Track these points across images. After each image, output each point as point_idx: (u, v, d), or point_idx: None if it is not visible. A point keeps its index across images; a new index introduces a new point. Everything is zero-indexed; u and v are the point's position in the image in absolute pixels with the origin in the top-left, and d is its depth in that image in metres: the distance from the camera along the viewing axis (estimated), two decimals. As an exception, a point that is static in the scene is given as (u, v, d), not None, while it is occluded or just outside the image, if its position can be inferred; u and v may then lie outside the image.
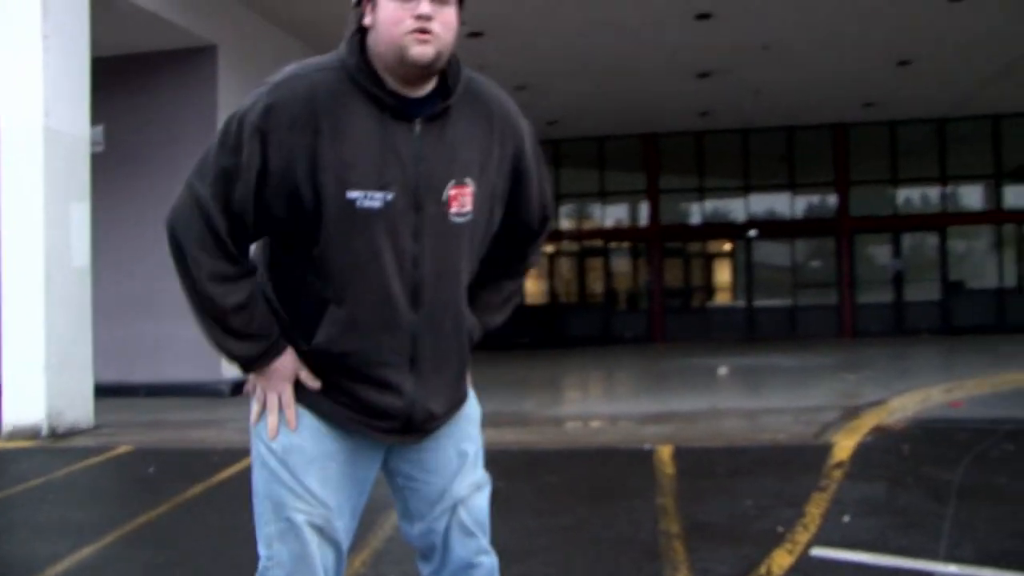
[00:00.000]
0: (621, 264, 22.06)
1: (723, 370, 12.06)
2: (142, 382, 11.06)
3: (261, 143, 1.91)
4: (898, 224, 20.75)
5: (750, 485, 5.35)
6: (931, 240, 21.05)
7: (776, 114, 18.79)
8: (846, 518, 4.54)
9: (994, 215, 20.95)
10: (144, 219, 11.14)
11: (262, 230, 2.01)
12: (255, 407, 2.07)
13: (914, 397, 8.53)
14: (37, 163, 8.09)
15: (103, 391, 9.07)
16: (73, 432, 8.12)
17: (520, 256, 2.30)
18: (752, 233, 20.69)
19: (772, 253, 21.74)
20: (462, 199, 2.01)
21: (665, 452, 6.24)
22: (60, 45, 8.34)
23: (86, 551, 4.43)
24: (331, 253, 1.94)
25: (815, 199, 21.64)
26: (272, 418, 2.02)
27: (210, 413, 9.54)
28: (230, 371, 11.41)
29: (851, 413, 7.61)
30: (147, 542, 4.72)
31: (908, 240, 21.15)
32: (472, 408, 2.23)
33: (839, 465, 5.65)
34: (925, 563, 3.82)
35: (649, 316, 21.06)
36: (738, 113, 18.61)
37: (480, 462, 2.22)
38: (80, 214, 8.54)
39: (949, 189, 20.79)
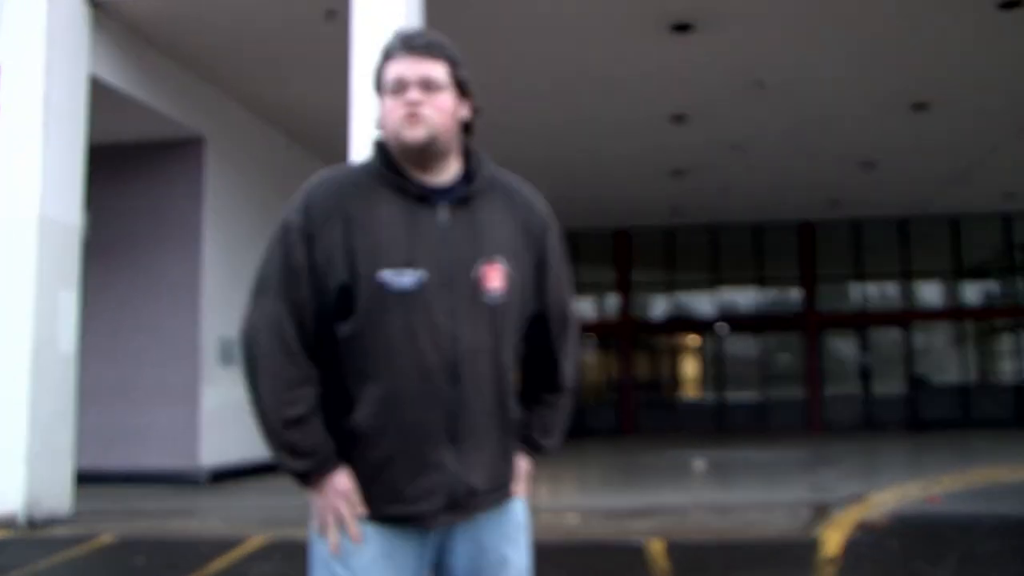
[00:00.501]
0: (592, 357, 22.25)
1: (700, 463, 12.15)
2: (118, 468, 10.92)
3: (306, 244, 2.05)
4: (863, 320, 21.23)
5: (745, 581, 5.42)
6: (895, 335, 21.53)
7: (744, 211, 19.33)
8: (846, 614, 4.62)
9: (955, 312, 21.55)
10: (126, 305, 11.19)
11: (318, 327, 2.08)
12: (317, 521, 2.10)
13: (893, 493, 8.67)
14: (31, 252, 8.14)
15: (78, 477, 8.96)
16: (52, 521, 7.99)
17: (550, 361, 2.31)
18: (721, 327, 21.03)
19: (741, 347, 22.08)
20: (494, 278, 2.10)
21: (657, 547, 6.30)
22: (59, 134, 8.49)
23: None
24: (369, 332, 2.03)
25: (782, 294, 22.12)
26: (332, 536, 2.06)
27: (189, 502, 9.44)
28: (208, 459, 11.35)
29: (834, 508, 7.72)
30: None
31: (873, 335, 21.60)
32: (519, 514, 2.25)
33: (831, 561, 5.74)
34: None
35: (620, 408, 21.19)
36: (708, 210, 19.12)
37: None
38: (68, 302, 8.56)
39: (912, 286, 21.37)
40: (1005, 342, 22.53)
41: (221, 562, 6.34)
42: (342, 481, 2.05)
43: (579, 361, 2.43)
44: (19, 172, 8.27)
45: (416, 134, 2.08)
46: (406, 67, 2.12)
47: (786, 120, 13.25)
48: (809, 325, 20.94)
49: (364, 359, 2.03)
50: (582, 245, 21.30)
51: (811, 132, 13.82)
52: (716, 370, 21.43)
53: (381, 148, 2.17)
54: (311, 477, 2.05)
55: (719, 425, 20.47)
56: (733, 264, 21.59)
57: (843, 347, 21.89)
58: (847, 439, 17.01)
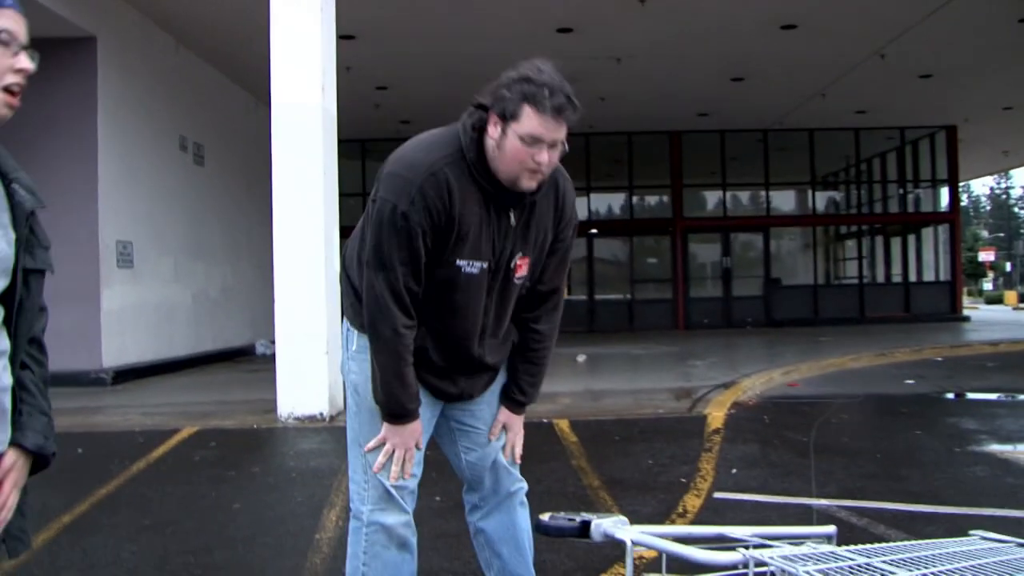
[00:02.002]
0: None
1: (581, 358, 13.09)
2: (19, 372, 10.97)
3: (424, 233, 2.56)
4: (725, 225, 22.61)
5: (646, 449, 6.28)
6: (755, 240, 23.06)
7: (618, 120, 20.11)
8: (734, 471, 5.53)
9: (808, 219, 23.25)
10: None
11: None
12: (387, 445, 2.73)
13: (759, 379, 9.79)
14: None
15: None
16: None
17: (535, 330, 2.91)
18: (591, 231, 22.01)
19: (610, 250, 23.19)
20: (523, 267, 2.77)
21: (564, 424, 7.12)
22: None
23: (65, 518, 4.86)
24: (441, 298, 2.66)
25: (651, 200, 23.25)
26: (395, 468, 2.71)
27: (101, 400, 9.72)
28: (109, 360, 11.54)
29: (709, 393, 8.73)
30: (126, 509, 5.16)
31: (734, 240, 23.05)
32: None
33: (716, 431, 6.69)
34: (803, 499, 4.84)
35: (497, 309, 22.00)
36: (583, 119, 19.74)
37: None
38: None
39: (770, 194, 22.85)
40: (850, 247, 24.49)
41: (162, 449, 6.80)
42: (418, 427, 2.72)
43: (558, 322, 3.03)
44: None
45: (532, 187, 2.58)
46: (547, 130, 2.46)
47: (664, 35, 13.95)
48: (675, 230, 22.17)
49: (431, 311, 2.67)
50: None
51: (687, 47, 14.59)
52: (588, 272, 22.46)
53: (480, 159, 2.57)
54: (407, 417, 2.68)
55: (590, 325, 21.61)
56: (605, 171, 22.47)
57: (706, 251, 23.28)
58: (710, 336, 18.39)
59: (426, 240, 2.57)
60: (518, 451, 2.95)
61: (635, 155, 22.17)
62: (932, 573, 1.66)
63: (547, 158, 2.50)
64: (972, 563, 1.74)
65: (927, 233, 23.83)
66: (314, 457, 6.59)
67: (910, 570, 1.66)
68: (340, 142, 8.67)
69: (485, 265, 2.65)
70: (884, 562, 1.69)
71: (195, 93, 14.54)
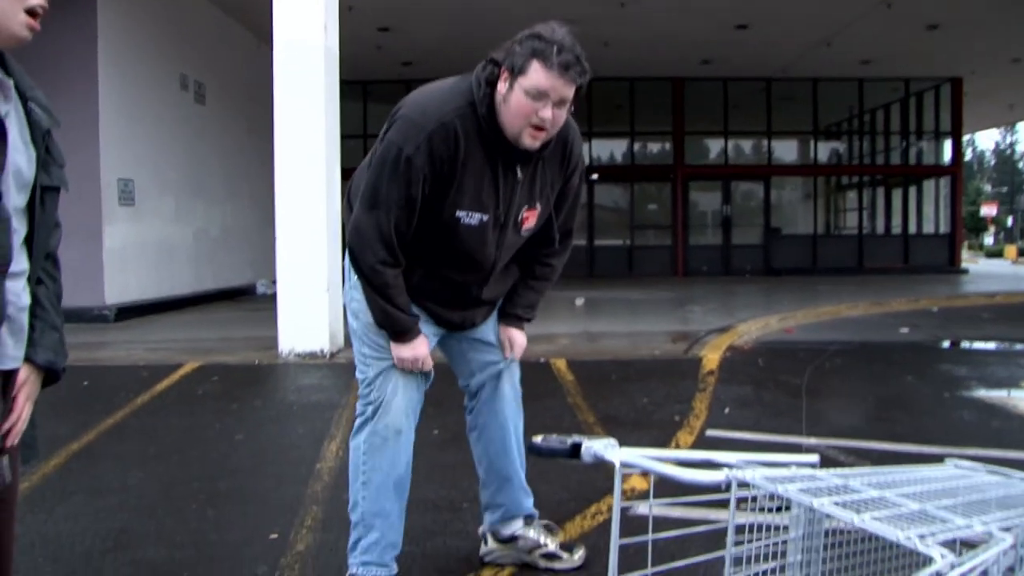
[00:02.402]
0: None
1: (580, 301, 13.19)
2: (22, 307, 11.07)
3: (424, 180, 2.63)
4: (727, 173, 22.58)
5: (642, 388, 6.40)
6: (756, 189, 23.05)
7: (620, 66, 19.96)
8: (727, 410, 5.65)
9: (809, 168, 23.21)
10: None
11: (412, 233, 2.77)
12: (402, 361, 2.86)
13: (756, 324, 9.89)
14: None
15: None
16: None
17: (546, 264, 3.07)
18: (592, 177, 21.99)
19: (611, 196, 23.18)
20: (530, 219, 2.86)
21: (561, 364, 7.24)
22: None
23: (74, 446, 4.98)
24: (442, 244, 2.76)
25: (652, 147, 23.18)
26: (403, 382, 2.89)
27: (105, 336, 9.84)
28: (112, 296, 11.64)
29: (706, 336, 8.83)
30: (133, 439, 5.28)
31: (735, 188, 23.04)
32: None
33: (711, 373, 6.80)
34: (793, 438, 4.95)
35: (497, 254, 22.07)
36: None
37: None
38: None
39: (772, 144, 22.78)
40: (851, 198, 24.48)
41: (166, 383, 6.92)
42: (422, 341, 2.86)
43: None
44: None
45: (534, 145, 2.63)
46: (553, 84, 2.50)
47: (670, -21, 13.85)
48: (676, 177, 22.15)
49: (431, 252, 2.79)
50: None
51: (692, -8, 14.48)
52: (588, 217, 22.48)
53: (490, 113, 2.62)
54: (408, 334, 2.81)
55: (590, 270, 21.68)
56: (606, 117, 22.37)
57: (707, 199, 23.28)
58: (709, 283, 18.48)
59: (424, 187, 2.64)
60: (517, 353, 3.12)
61: (637, 101, 22.06)
62: (904, 492, 1.75)
63: (551, 115, 2.55)
64: (943, 485, 1.83)
65: (928, 186, 23.79)
66: (315, 392, 6.71)
67: (883, 490, 1.75)
68: (342, 83, 8.67)
69: (486, 217, 2.73)
70: (860, 483, 1.78)
71: (197, 32, 14.45)
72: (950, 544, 1.40)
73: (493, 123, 2.64)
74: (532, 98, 2.53)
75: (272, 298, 8.85)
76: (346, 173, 8.40)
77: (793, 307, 11.95)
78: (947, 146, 23.47)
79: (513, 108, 2.57)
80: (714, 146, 23.10)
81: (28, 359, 1.85)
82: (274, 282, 8.61)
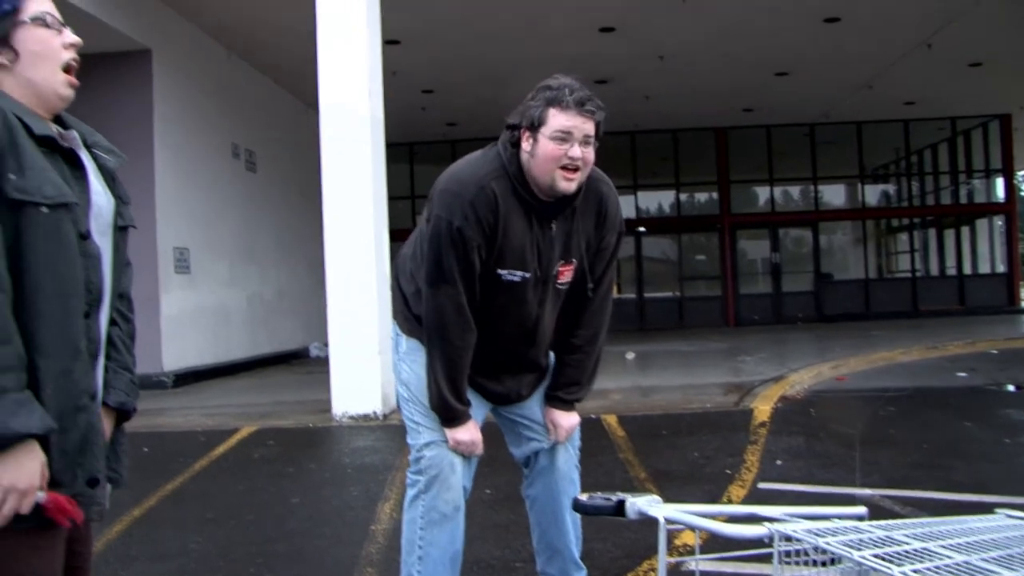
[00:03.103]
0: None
1: (631, 355, 13.16)
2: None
3: (479, 246, 2.74)
4: (774, 220, 22.49)
5: (693, 442, 6.37)
6: (803, 235, 22.90)
7: (662, 118, 20.12)
8: (779, 462, 5.61)
9: (858, 212, 23.04)
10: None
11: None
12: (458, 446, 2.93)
13: (808, 373, 9.80)
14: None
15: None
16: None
17: (582, 320, 3.05)
18: (640, 229, 22.05)
19: (659, 248, 23.19)
20: (567, 273, 2.93)
21: (612, 419, 7.24)
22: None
23: (135, 512, 5.10)
24: (485, 303, 2.83)
25: (699, 197, 23.21)
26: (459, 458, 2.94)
27: (163, 402, 10.03)
28: (170, 363, 11.88)
29: (757, 387, 8.78)
30: (191, 503, 5.39)
31: (783, 235, 22.92)
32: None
33: (762, 425, 6.76)
34: (846, 489, 4.91)
35: (547, 308, 22.12)
36: (628, 116, 19.85)
37: None
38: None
39: (818, 188, 22.69)
40: (902, 240, 24.20)
41: (223, 448, 7.05)
42: (473, 426, 2.93)
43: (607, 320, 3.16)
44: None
45: (570, 187, 2.72)
46: (574, 123, 2.62)
47: (706, 31, 13.97)
48: (723, 226, 22.11)
49: (477, 316, 2.84)
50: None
51: (730, 43, 14.58)
52: (637, 270, 22.49)
53: (520, 173, 2.74)
54: (458, 420, 2.88)
55: (640, 323, 21.64)
56: (651, 169, 22.48)
57: (755, 247, 23.17)
58: (760, 332, 18.33)
59: (480, 252, 2.74)
60: (562, 436, 3.11)
61: (681, 152, 22.15)
62: (949, 544, 1.74)
63: (579, 152, 2.64)
64: (992, 536, 1.82)
65: (982, 224, 23.44)
66: (368, 454, 6.78)
67: (927, 541, 1.75)
68: (388, 145, 8.88)
69: (528, 275, 2.81)
70: (904, 535, 1.78)
71: (246, 101, 14.89)
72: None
73: (524, 182, 2.75)
74: (558, 141, 2.63)
75: (325, 361, 8.98)
76: (394, 235, 8.60)
77: (846, 354, 11.82)
78: (999, 183, 23.16)
79: (541, 157, 2.67)
80: (761, 193, 23.03)
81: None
82: (326, 345, 8.75)
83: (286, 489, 5.62)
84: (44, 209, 1.69)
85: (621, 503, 2.07)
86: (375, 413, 8.11)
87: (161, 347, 11.86)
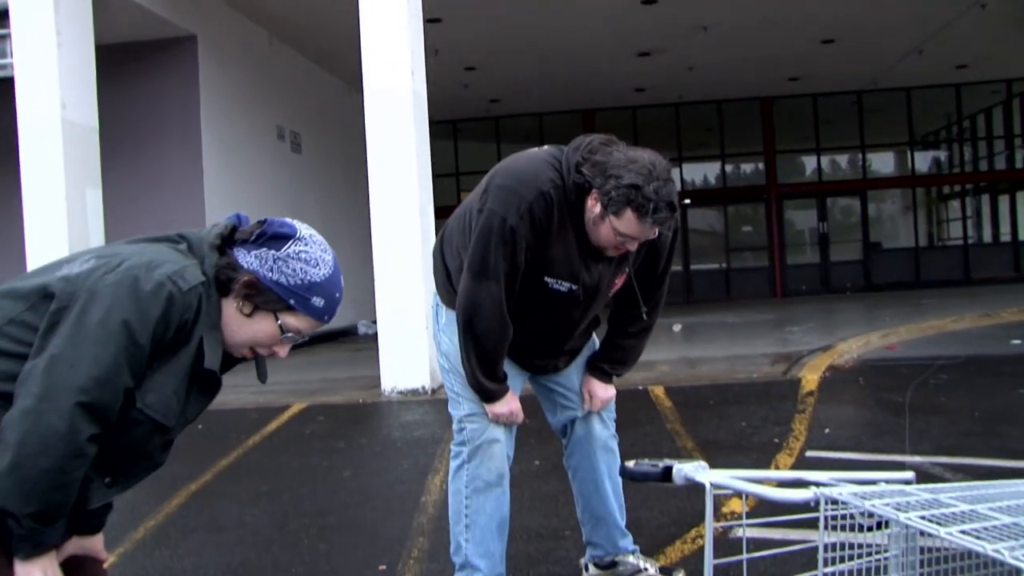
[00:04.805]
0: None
1: (677, 327, 13.13)
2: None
3: (528, 247, 2.77)
4: (821, 190, 22.19)
5: (740, 411, 6.37)
6: (852, 204, 22.57)
7: (707, 88, 19.91)
8: (827, 430, 5.60)
9: (907, 180, 22.63)
10: (137, 201, 11.69)
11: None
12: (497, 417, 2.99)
13: (857, 342, 9.70)
14: (57, 154, 8.63)
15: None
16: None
17: (631, 335, 3.14)
18: (686, 201, 21.89)
19: (705, 220, 23.01)
20: (619, 282, 2.98)
21: (659, 391, 7.25)
22: (71, 39, 8.87)
23: (192, 486, 5.23)
24: (529, 303, 2.88)
25: (745, 168, 22.97)
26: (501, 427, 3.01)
27: (216, 381, 10.21)
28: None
29: (805, 357, 8.71)
30: (246, 478, 5.52)
31: (831, 205, 22.61)
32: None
33: (810, 394, 6.73)
34: (896, 456, 4.88)
35: (592, 283, 22.10)
36: (672, 88, 19.69)
37: None
38: (94, 199, 9.12)
39: (866, 157, 22.32)
40: (953, 208, 23.74)
41: (275, 424, 7.19)
42: (512, 398, 2.99)
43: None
44: (36, 76, 8.67)
45: (615, 256, 2.84)
46: (644, 232, 2.68)
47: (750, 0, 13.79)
48: (770, 196, 21.87)
49: (522, 308, 2.88)
50: (548, 126, 21.87)
51: (774, 11, 14.35)
52: (682, 242, 22.32)
53: (579, 205, 2.75)
54: (496, 396, 2.93)
55: (687, 295, 21.52)
56: (696, 140, 22.28)
57: (802, 217, 22.89)
58: (808, 303, 18.15)
59: (528, 254, 2.76)
60: (597, 406, 3.16)
61: (726, 123, 21.89)
62: (997, 507, 1.74)
63: (635, 246, 2.75)
64: (1039, 499, 1.81)
65: (1038, 189, 22.91)
66: (418, 428, 6.87)
67: (974, 504, 1.75)
68: (432, 123, 8.92)
69: (575, 287, 2.84)
70: (951, 497, 1.78)
71: (289, 83, 15.00)
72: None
73: (580, 209, 2.75)
74: (620, 236, 2.69)
75: (373, 338, 9.09)
76: (439, 211, 8.65)
77: (895, 323, 11.67)
78: (1056, 147, 22.59)
79: (602, 235, 2.73)
80: (807, 163, 22.71)
81: None
82: (374, 322, 8.85)
83: (338, 463, 5.73)
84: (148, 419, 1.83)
85: (668, 469, 2.09)
86: (423, 388, 8.20)
87: (213, 327, 12.05)
